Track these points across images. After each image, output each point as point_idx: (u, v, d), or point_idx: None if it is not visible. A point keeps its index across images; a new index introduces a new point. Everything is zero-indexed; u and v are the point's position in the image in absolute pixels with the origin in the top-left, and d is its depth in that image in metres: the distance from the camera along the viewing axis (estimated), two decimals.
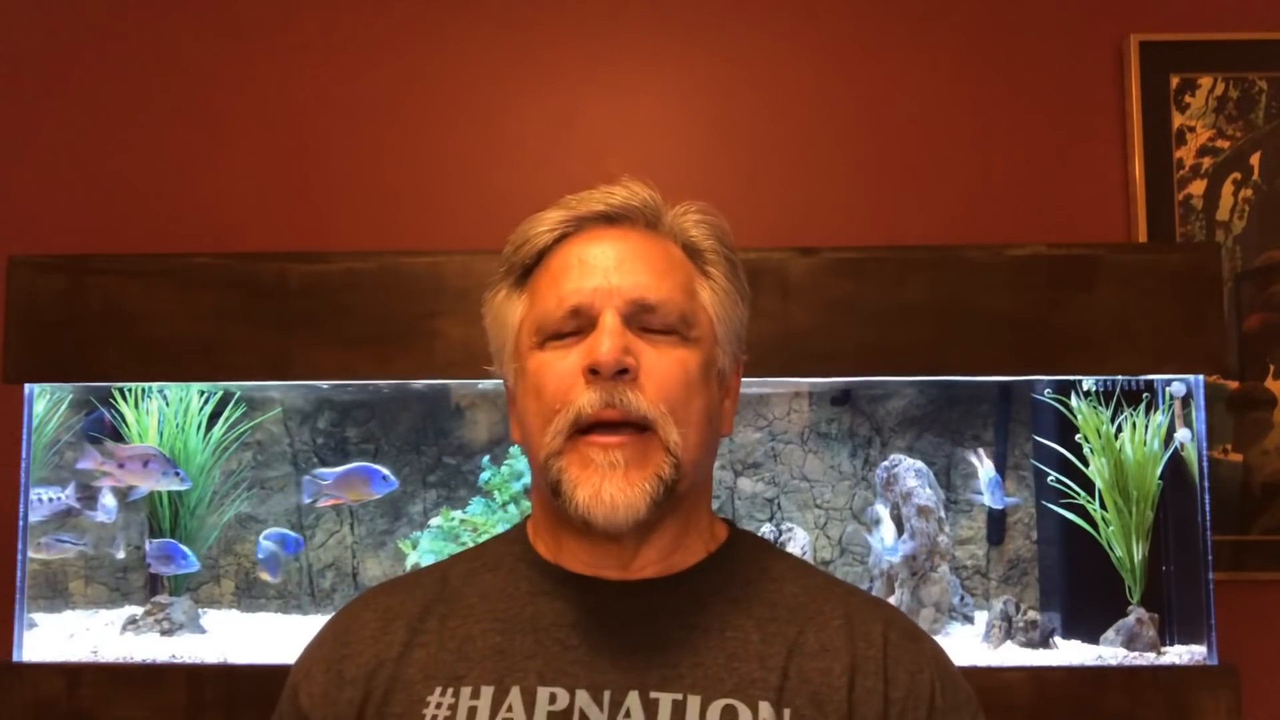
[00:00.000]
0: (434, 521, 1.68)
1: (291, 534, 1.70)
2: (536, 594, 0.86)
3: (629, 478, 0.79)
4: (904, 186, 1.81)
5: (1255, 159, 1.78)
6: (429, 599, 0.88)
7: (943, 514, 1.63)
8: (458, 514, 1.66)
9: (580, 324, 0.83)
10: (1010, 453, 1.73)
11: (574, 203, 0.88)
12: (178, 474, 1.59)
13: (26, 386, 1.53)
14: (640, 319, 0.83)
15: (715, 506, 1.74)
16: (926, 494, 1.62)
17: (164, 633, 1.59)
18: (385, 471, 1.65)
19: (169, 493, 1.65)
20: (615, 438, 0.80)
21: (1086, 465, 1.56)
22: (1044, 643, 1.54)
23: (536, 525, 0.92)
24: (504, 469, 1.67)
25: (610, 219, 0.87)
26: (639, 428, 0.80)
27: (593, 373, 0.80)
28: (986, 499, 1.65)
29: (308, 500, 1.67)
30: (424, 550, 1.66)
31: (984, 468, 1.64)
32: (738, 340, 0.91)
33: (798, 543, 1.65)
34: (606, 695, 0.80)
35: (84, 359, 1.47)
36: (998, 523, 1.74)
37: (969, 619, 1.67)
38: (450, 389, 1.71)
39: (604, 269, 0.84)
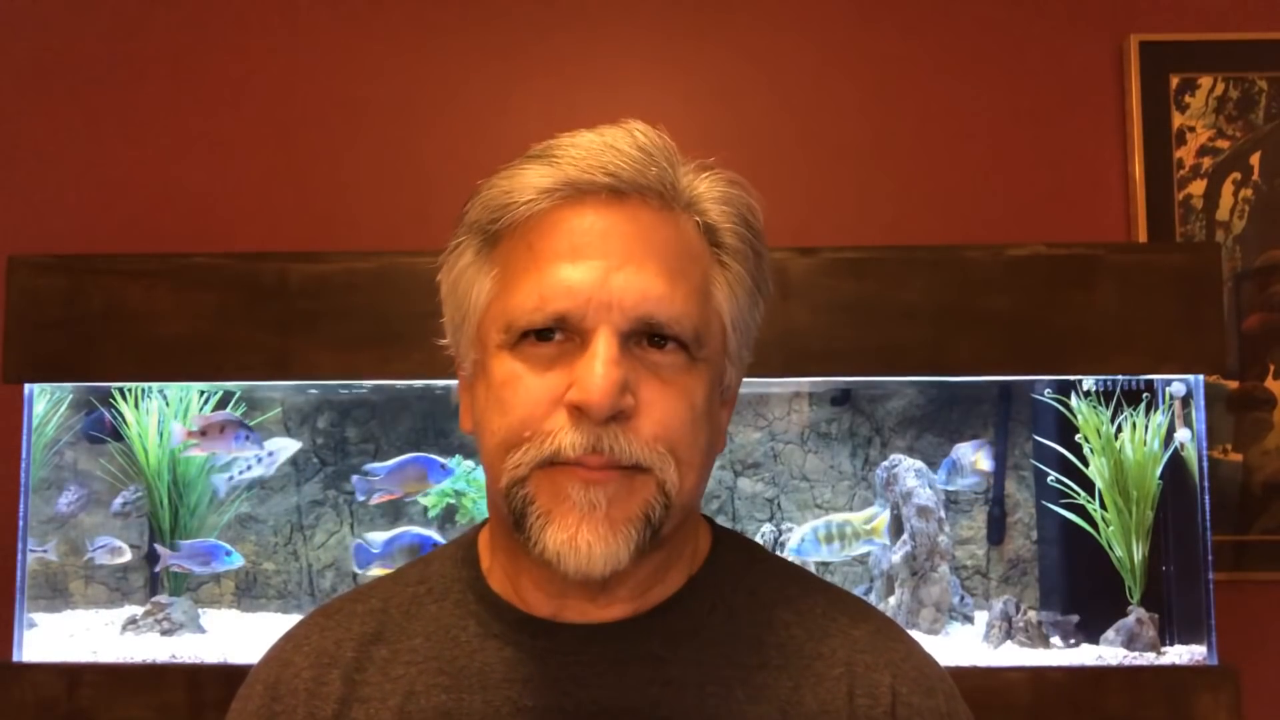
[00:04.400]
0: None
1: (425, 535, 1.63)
2: (486, 637, 0.73)
3: (611, 519, 0.65)
4: (904, 186, 1.81)
5: (1255, 159, 1.78)
6: (367, 636, 0.76)
7: (943, 514, 1.62)
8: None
9: (565, 330, 0.67)
10: (1010, 453, 1.73)
11: (569, 163, 0.69)
12: (249, 438, 1.60)
13: (26, 386, 1.53)
14: (641, 333, 0.67)
15: (715, 507, 1.76)
16: (926, 494, 1.62)
17: (164, 633, 1.59)
18: (443, 460, 1.61)
19: (168, 493, 1.65)
20: (599, 473, 0.65)
21: (1086, 465, 1.56)
22: (1075, 642, 1.55)
23: (494, 543, 0.77)
24: None
25: (617, 193, 0.68)
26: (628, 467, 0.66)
27: (578, 409, 0.65)
28: (940, 478, 1.63)
29: (361, 499, 1.65)
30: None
31: (955, 453, 1.64)
32: (749, 347, 0.76)
33: None
34: None
35: (84, 359, 1.47)
36: (998, 523, 1.74)
37: (969, 619, 1.67)
38: (450, 389, 1.71)
39: (603, 266, 0.66)
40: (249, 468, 1.65)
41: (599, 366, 0.64)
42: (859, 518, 1.62)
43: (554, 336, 0.67)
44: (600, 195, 0.68)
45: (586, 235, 0.68)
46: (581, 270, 0.66)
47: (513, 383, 0.67)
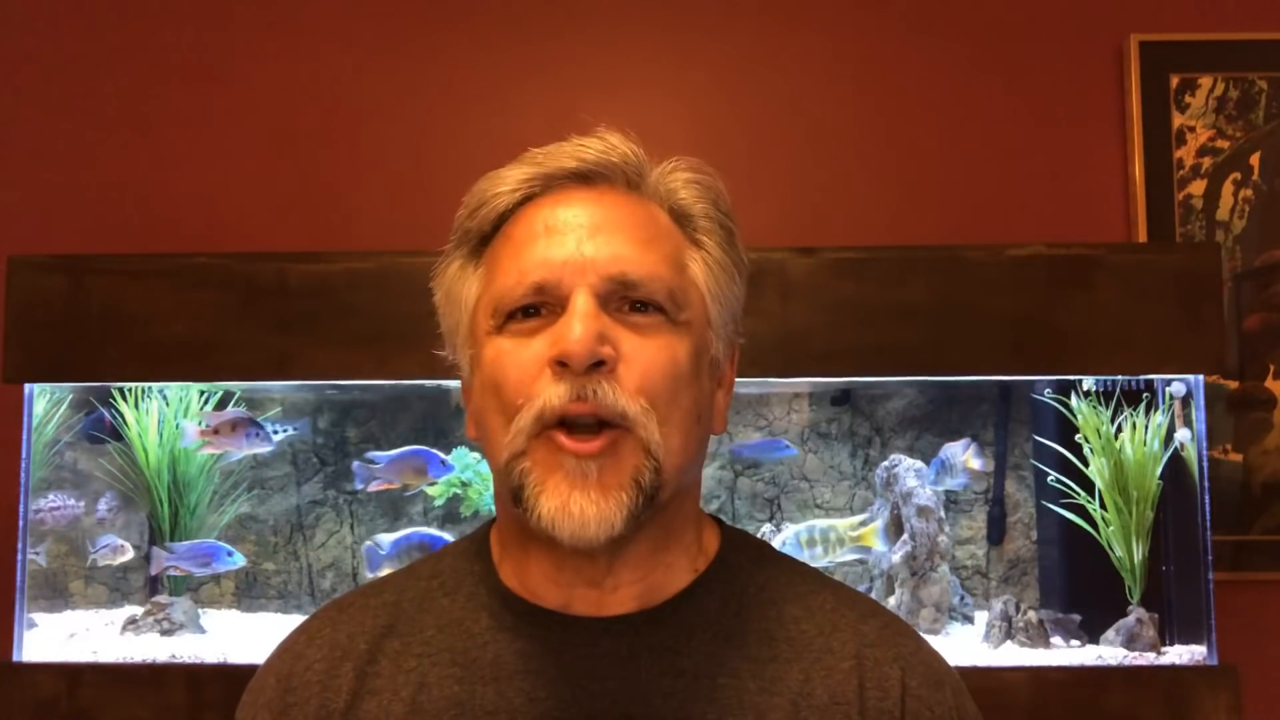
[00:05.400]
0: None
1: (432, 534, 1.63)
2: (499, 630, 0.74)
3: (603, 486, 0.68)
4: (904, 186, 1.81)
5: (1255, 159, 1.78)
6: (379, 629, 0.77)
7: (943, 514, 1.62)
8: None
9: (547, 303, 0.70)
10: (1010, 453, 1.73)
11: (540, 157, 0.75)
12: (259, 434, 1.61)
13: (26, 386, 1.53)
14: (619, 298, 0.71)
15: (715, 507, 1.76)
16: (926, 494, 1.62)
17: (164, 633, 1.59)
18: (443, 456, 1.62)
19: (168, 493, 1.65)
20: (588, 443, 0.68)
21: (1086, 465, 1.56)
22: (1087, 640, 1.55)
23: (503, 538, 0.79)
24: None
25: (584, 178, 0.74)
26: (613, 425, 0.68)
27: (561, 365, 0.68)
28: (929, 478, 1.63)
29: (360, 486, 1.65)
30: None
31: (944, 452, 1.64)
32: (734, 322, 0.78)
33: None
34: None
35: (84, 359, 1.47)
36: (998, 523, 1.74)
37: (969, 619, 1.67)
38: (450, 389, 1.71)
39: (575, 237, 0.70)
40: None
41: (576, 320, 0.68)
42: (846, 524, 1.62)
43: (538, 312, 0.71)
44: (570, 180, 0.74)
45: (559, 215, 0.72)
46: (556, 243, 0.71)
47: (502, 358, 0.71)
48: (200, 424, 1.61)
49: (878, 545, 1.62)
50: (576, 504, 0.67)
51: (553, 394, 0.68)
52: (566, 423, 0.68)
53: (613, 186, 0.74)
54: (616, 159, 0.74)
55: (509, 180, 0.75)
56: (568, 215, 0.72)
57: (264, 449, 1.65)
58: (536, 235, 0.72)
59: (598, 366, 0.68)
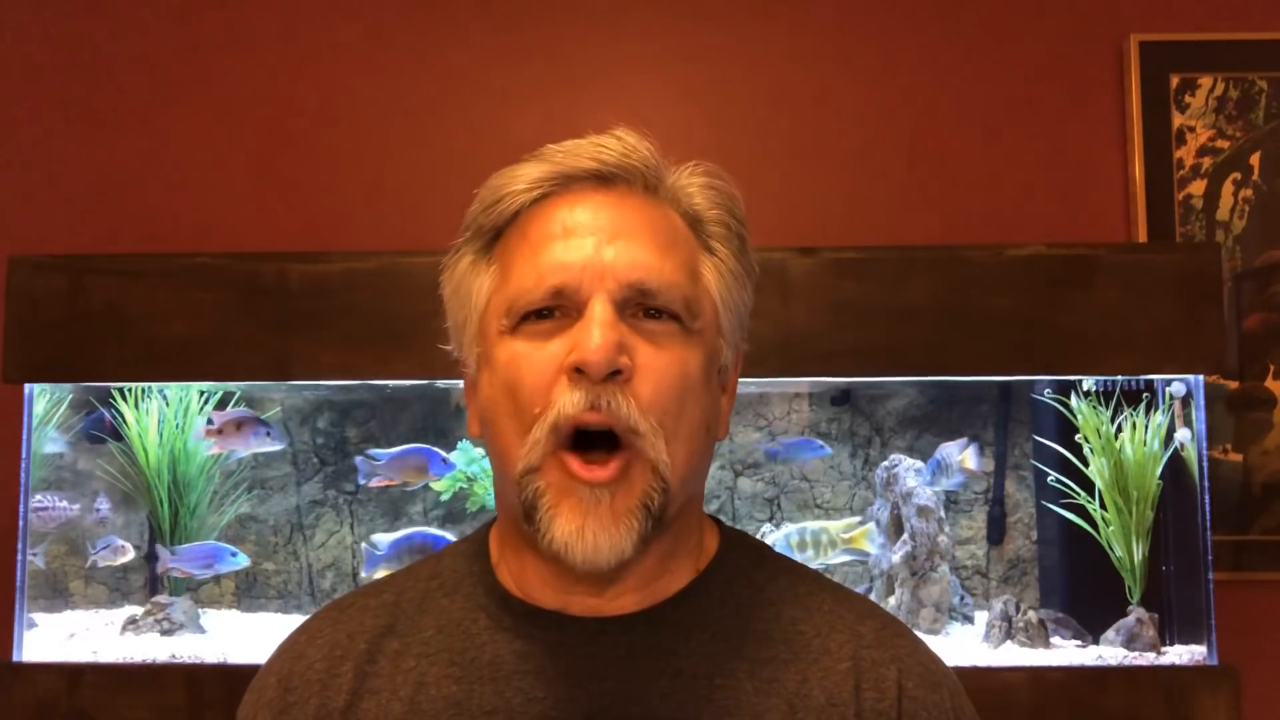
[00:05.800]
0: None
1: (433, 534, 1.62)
2: (497, 630, 0.74)
3: (614, 512, 0.68)
4: (904, 186, 1.81)
5: (1255, 159, 1.78)
6: (379, 629, 0.77)
7: (943, 514, 1.62)
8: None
9: (562, 305, 0.70)
10: (1010, 453, 1.73)
11: (558, 156, 0.74)
12: (269, 434, 1.61)
13: (26, 386, 1.53)
14: (635, 304, 0.70)
15: (715, 507, 1.76)
16: (926, 494, 1.61)
17: (164, 633, 1.59)
18: (444, 455, 1.62)
19: (168, 493, 1.65)
20: (602, 470, 0.68)
21: (1086, 465, 1.56)
22: (1093, 639, 1.55)
23: (503, 539, 0.79)
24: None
25: (603, 179, 0.73)
26: (624, 444, 0.69)
27: (578, 371, 0.68)
28: (924, 478, 1.63)
29: (362, 482, 1.65)
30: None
31: (940, 452, 1.64)
32: (741, 329, 0.79)
33: None
34: None
35: (84, 359, 1.47)
36: (998, 523, 1.74)
37: (969, 619, 1.67)
38: (450, 388, 1.71)
39: (594, 241, 0.70)
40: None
41: (595, 328, 0.68)
42: (837, 526, 1.62)
43: (553, 315, 0.70)
44: (588, 181, 0.73)
45: (578, 217, 0.72)
46: (575, 246, 0.70)
47: (516, 360, 0.70)
48: (204, 426, 1.61)
49: (869, 548, 1.62)
50: (590, 531, 0.68)
51: (567, 402, 0.68)
52: (579, 435, 0.68)
53: (631, 189, 0.74)
54: (636, 162, 0.74)
55: (525, 178, 0.74)
56: (586, 217, 0.71)
57: (272, 448, 1.65)
58: (554, 236, 0.71)
59: (614, 376, 0.68)
